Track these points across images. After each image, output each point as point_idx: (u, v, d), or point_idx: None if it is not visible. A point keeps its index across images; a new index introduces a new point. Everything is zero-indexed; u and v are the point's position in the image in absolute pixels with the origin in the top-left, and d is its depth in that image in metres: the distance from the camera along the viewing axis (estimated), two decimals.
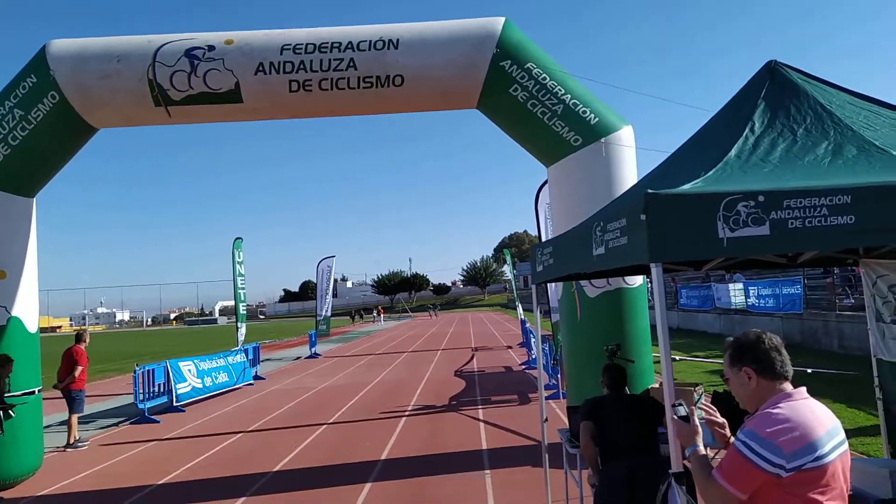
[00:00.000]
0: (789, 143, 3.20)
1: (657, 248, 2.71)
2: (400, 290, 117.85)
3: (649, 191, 2.77)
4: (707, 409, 2.53)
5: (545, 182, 11.89)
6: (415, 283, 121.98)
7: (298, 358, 24.44)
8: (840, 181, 2.74)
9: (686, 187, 2.86)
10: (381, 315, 64.73)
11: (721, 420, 2.50)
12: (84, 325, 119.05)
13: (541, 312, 6.11)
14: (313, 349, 25.07)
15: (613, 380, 4.60)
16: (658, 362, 8.29)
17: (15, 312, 7.78)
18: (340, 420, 10.70)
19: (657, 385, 6.92)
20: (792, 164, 3.06)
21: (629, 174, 7.51)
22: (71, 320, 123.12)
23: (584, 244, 4.06)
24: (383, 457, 7.93)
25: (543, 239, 11.94)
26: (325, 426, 10.20)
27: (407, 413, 11.01)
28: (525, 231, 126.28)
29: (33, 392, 7.91)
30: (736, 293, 22.16)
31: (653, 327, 7.33)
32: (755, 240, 2.64)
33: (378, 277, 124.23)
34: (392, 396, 13.04)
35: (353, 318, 62.75)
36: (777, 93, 3.47)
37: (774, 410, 2.12)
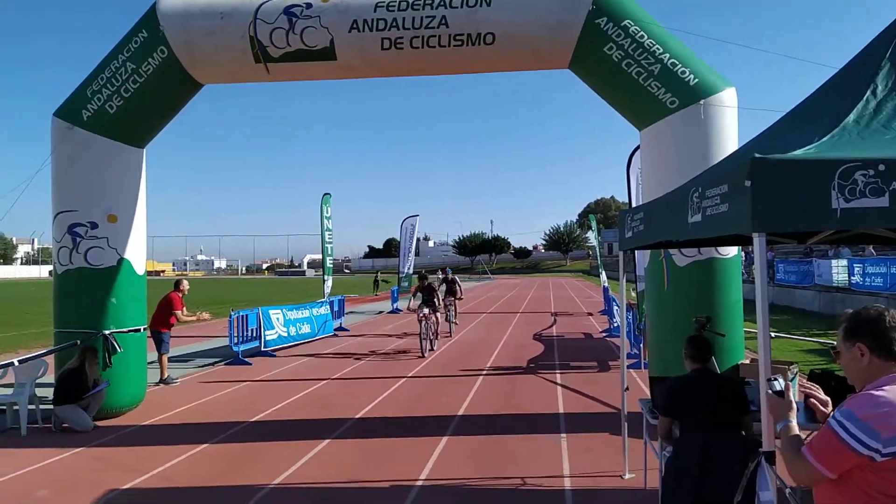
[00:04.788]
0: None
1: (762, 218, 2.56)
2: (480, 252, 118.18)
3: (756, 155, 2.61)
4: (809, 385, 2.42)
5: (638, 146, 11.48)
6: (496, 245, 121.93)
7: (381, 312, 25.14)
8: None
9: (798, 153, 2.67)
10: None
11: (825, 397, 2.39)
12: (185, 270, 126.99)
13: (626, 280, 5.96)
14: (395, 305, 25.70)
15: (698, 351, 4.42)
16: (751, 338, 7.96)
17: (125, 255, 8.38)
18: (419, 375, 10.97)
19: (748, 361, 6.66)
20: None
21: (729, 139, 7.10)
22: (173, 266, 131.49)
23: (679, 211, 3.90)
24: (460, 413, 8.10)
25: (634, 205, 11.58)
26: (404, 379, 10.50)
27: (484, 372, 11.14)
28: (612, 197, 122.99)
29: (138, 330, 8.55)
30: (839, 270, 20.81)
31: (747, 301, 7.05)
32: (872, 212, 2.45)
33: (459, 238, 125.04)
34: (470, 355, 13.22)
35: (376, 286, 41.29)
36: None
37: (878, 392, 2.00)
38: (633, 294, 12.09)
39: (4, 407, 7.68)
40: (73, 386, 7.48)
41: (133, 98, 8.15)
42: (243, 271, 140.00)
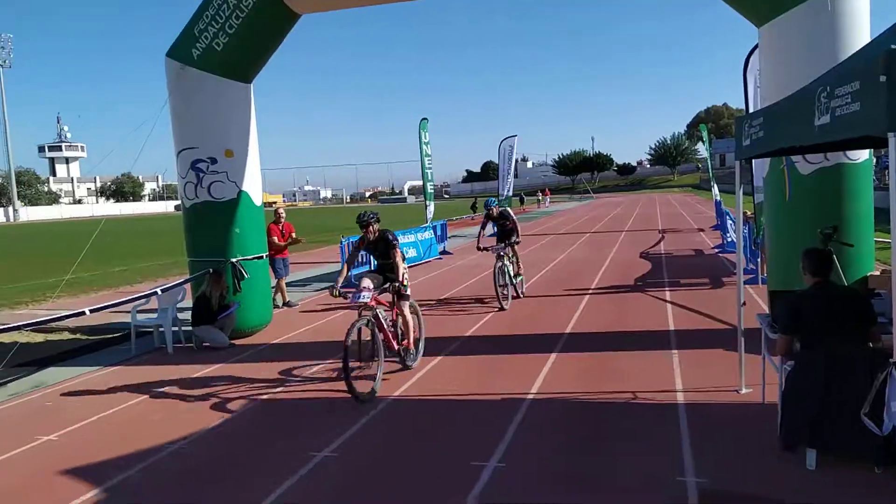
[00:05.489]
0: None
1: None
2: (581, 171, 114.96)
3: (893, 46, 2.36)
4: None
5: (755, 46, 10.57)
6: (597, 162, 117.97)
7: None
8: None
9: None
10: (547, 197, 59.33)
11: None
12: (294, 201, 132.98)
13: (742, 192, 5.65)
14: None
15: (818, 266, 4.18)
16: (882, 248, 7.40)
17: (243, 187, 8.89)
18: (526, 294, 11.10)
19: (878, 272, 6.23)
20: None
21: (861, 33, 6.36)
22: (283, 197, 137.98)
23: (804, 113, 3.63)
24: (567, 331, 8.19)
25: (751, 111, 10.80)
26: (510, 299, 10.67)
27: (591, 291, 11.11)
28: (724, 104, 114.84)
29: (261, 257, 9.16)
30: None
31: (877, 210, 6.52)
32: None
33: (559, 157, 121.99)
34: (575, 274, 13.18)
35: (474, 209, 40.37)
36: None
37: None
38: (751, 207, 11.44)
39: (152, 329, 8.59)
40: (204, 309, 8.25)
41: (236, 34, 8.41)
42: (347, 200, 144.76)
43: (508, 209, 11.66)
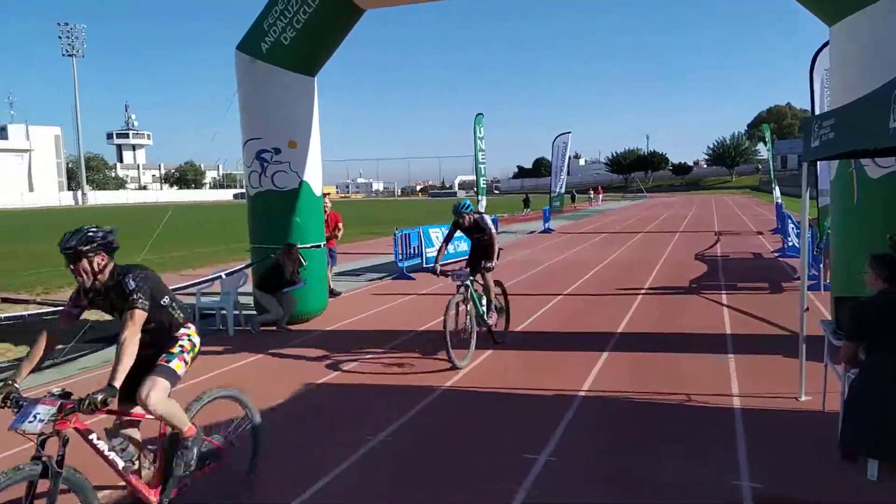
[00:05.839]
0: None
1: None
2: (635, 169, 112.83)
3: None
4: None
5: (825, 44, 10.24)
6: (652, 161, 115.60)
7: (532, 232, 25.28)
8: None
9: None
10: (600, 195, 58.13)
11: None
12: (347, 193, 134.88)
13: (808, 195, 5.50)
14: (546, 224, 25.70)
15: (891, 272, 4.05)
16: None
17: (305, 178, 9.15)
18: (576, 292, 11.07)
19: None
20: None
21: None
22: (337, 188, 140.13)
23: (878, 115, 3.55)
24: (619, 330, 8.14)
25: (817, 111, 10.46)
26: (560, 297, 10.66)
27: (643, 291, 10.98)
28: (788, 104, 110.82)
29: (318, 245, 9.41)
30: None
31: None
32: None
33: (612, 155, 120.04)
34: (628, 274, 13.04)
35: (526, 205, 39.19)
36: None
37: None
38: (814, 211, 11.09)
39: (214, 311, 8.94)
40: (274, 277, 8.48)
41: (303, 28, 8.64)
42: (398, 193, 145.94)
43: (486, 216, 7.54)
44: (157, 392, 3.26)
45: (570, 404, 5.43)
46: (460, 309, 6.75)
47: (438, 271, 7.13)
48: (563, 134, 29.77)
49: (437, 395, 5.79)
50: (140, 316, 3.17)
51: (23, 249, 21.86)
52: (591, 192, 61.35)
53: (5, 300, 10.94)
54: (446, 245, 7.70)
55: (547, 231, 24.97)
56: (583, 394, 5.70)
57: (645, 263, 14.65)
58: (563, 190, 29.66)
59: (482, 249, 7.40)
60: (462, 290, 6.82)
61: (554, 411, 5.24)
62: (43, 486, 2.81)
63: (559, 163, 29.72)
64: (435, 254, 14.50)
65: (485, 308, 7.29)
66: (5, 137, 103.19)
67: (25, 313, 9.54)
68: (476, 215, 7.42)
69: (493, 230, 7.46)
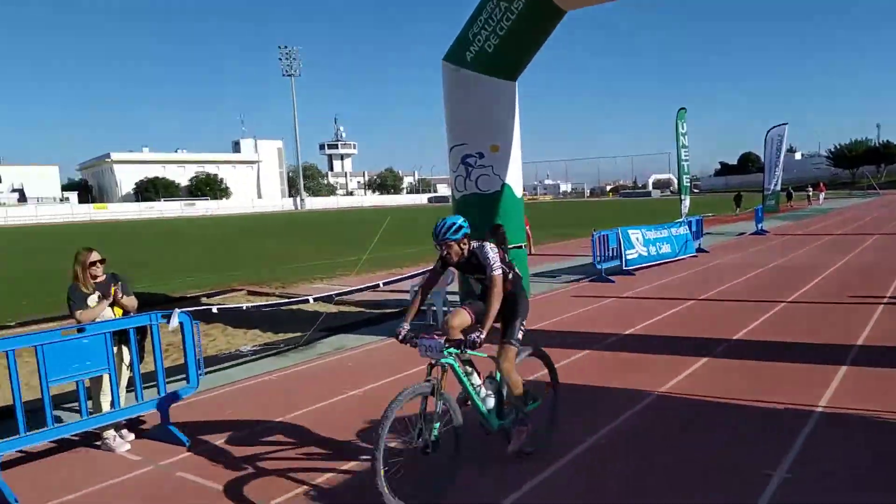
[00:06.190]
0: None
1: None
2: (863, 163, 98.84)
3: None
4: None
5: None
6: (885, 153, 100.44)
7: (742, 234, 23.31)
8: None
9: None
10: (822, 193, 51.20)
11: None
12: (535, 194, 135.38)
13: None
14: (759, 225, 23.54)
15: None
16: None
17: (507, 180, 9.37)
18: (801, 300, 10.00)
19: None
20: None
21: None
22: (525, 190, 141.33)
23: None
24: (859, 342, 7.20)
25: None
26: (784, 304, 9.70)
27: (885, 300, 9.60)
28: None
29: (520, 246, 9.56)
30: None
31: None
32: None
33: (835, 147, 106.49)
34: (863, 281, 11.49)
35: (738, 205, 33.87)
36: None
37: None
38: None
39: (425, 308, 9.49)
40: None
41: (507, 35, 8.86)
42: (587, 194, 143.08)
43: (486, 246, 4.28)
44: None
45: (806, 420, 4.92)
46: (426, 404, 3.85)
47: (401, 336, 4.06)
48: (777, 126, 27.07)
49: (650, 401, 5.58)
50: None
51: (259, 248, 25.05)
52: (811, 189, 54.88)
53: (251, 293, 12.74)
54: (424, 296, 4.45)
55: (760, 233, 22.85)
56: (820, 409, 5.13)
57: (884, 269, 12.79)
58: (778, 187, 26.90)
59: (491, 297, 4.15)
60: (435, 372, 3.90)
61: (787, 426, 4.80)
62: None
63: (773, 158, 27.05)
64: (634, 256, 14.15)
65: (491, 406, 4.28)
66: (238, 151, 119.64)
67: (265, 304, 10.94)
68: (476, 243, 4.29)
69: (499, 270, 4.16)
